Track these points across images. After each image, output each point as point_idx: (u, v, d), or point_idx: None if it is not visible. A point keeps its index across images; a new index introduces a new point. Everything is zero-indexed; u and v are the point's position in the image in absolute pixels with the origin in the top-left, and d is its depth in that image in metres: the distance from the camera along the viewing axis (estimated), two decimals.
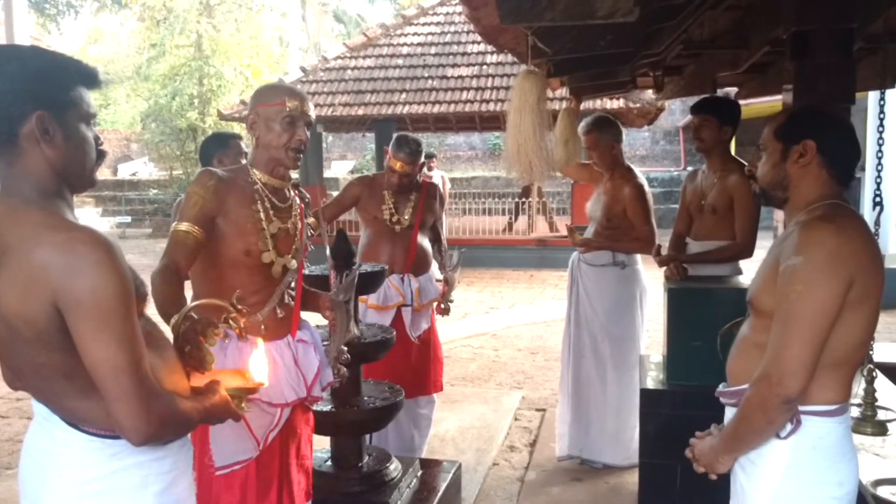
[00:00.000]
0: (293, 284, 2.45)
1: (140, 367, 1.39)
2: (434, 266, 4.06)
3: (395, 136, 3.84)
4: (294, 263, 2.41)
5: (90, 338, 1.35)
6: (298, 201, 2.50)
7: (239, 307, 1.83)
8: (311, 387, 2.44)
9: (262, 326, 2.32)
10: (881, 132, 2.59)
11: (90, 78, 1.50)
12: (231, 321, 1.80)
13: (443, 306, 3.99)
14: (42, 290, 1.33)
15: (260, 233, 2.31)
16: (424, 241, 3.94)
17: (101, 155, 1.54)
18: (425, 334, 3.94)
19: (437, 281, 4.03)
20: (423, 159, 3.85)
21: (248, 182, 2.35)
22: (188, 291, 2.27)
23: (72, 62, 1.48)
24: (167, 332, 1.70)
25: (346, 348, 2.56)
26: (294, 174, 2.53)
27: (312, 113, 2.40)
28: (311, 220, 2.60)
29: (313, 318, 2.66)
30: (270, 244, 2.33)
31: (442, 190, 11.62)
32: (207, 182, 2.28)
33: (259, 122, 2.34)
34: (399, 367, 3.70)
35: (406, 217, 3.79)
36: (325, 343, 2.58)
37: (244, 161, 2.87)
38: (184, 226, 2.22)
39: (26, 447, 1.56)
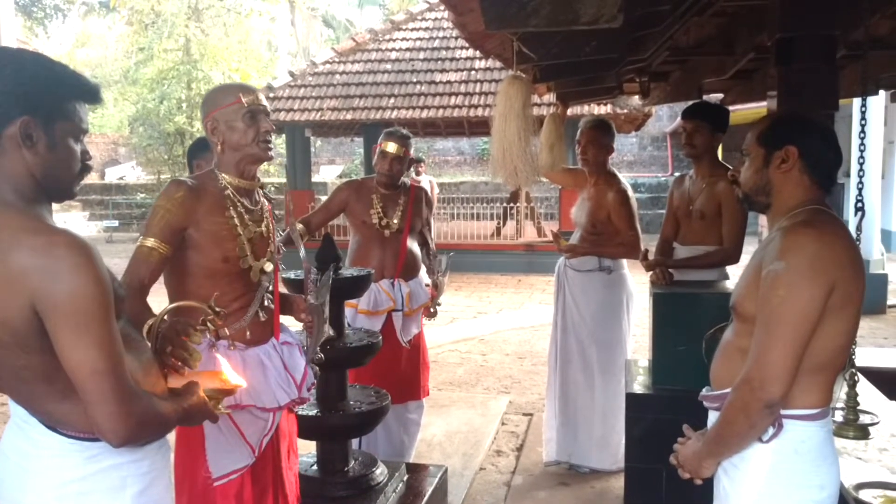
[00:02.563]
0: (271, 287, 2.44)
1: (118, 370, 1.40)
2: (422, 270, 4.07)
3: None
4: (270, 266, 2.39)
5: (69, 341, 1.35)
6: (267, 203, 2.48)
7: (217, 309, 1.83)
8: (300, 387, 2.44)
9: (248, 333, 2.32)
10: (863, 139, 2.61)
11: (90, 93, 1.51)
12: (208, 323, 1.80)
13: (431, 310, 4.00)
14: (20, 293, 1.34)
15: (236, 239, 2.29)
16: (414, 246, 3.94)
17: (86, 169, 1.54)
18: (414, 339, 3.94)
19: (426, 285, 4.03)
20: (412, 151, 3.85)
21: (219, 188, 2.31)
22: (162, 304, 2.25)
23: (72, 76, 1.49)
24: None
25: (318, 348, 2.55)
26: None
27: (267, 104, 2.37)
28: (299, 226, 2.59)
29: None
30: (248, 249, 2.31)
31: (430, 195, 11.63)
32: (175, 194, 2.23)
33: (220, 126, 2.30)
34: (389, 372, 3.70)
35: (395, 221, 3.78)
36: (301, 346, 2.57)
37: None
38: (149, 241, 2.18)
39: (4, 450, 1.56)
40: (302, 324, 2.57)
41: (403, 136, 3.80)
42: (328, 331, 2.54)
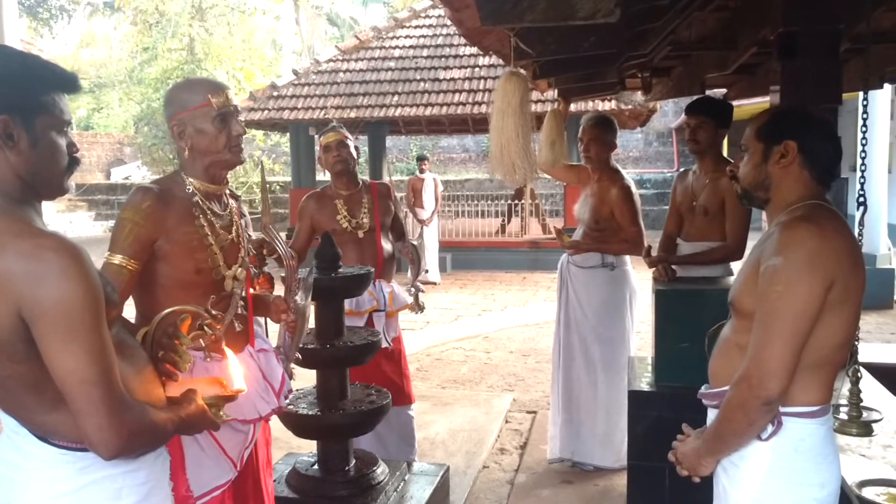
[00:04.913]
0: (243, 293, 2.32)
1: (110, 379, 1.34)
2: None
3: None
4: (242, 272, 2.29)
5: (57, 349, 1.30)
6: (234, 203, 2.37)
7: (213, 313, 1.79)
8: (279, 395, 2.36)
9: (223, 342, 2.14)
10: (864, 133, 2.59)
11: (67, 83, 1.44)
12: (206, 328, 1.76)
13: (412, 290, 3.88)
14: (6, 299, 1.29)
15: (208, 249, 2.17)
16: (387, 245, 3.83)
17: (75, 162, 1.48)
18: (395, 345, 3.84)
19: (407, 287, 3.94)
20: (349, 134, 3.75)
21: (187, 194, 2.19)
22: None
23: (47, 66, 1.42)
24: None
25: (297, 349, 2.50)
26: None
27: (236, 100, 2.22)
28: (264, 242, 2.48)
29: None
30: (220, 259, 2.20)
31: (435, 192, 11.57)
32: (141, 205, 2.10)
33: (187, 130, 2.15)
34: (371, 377, 3.57)
35: (365, 220, 3.69)
36: (276, 347, 2.50)
37: None
38: (117, 259, 2.06)
39: None
40: (279, 324, 2.46)
41: (335, 125, 3.75)
42: (308, 330, 2.47)
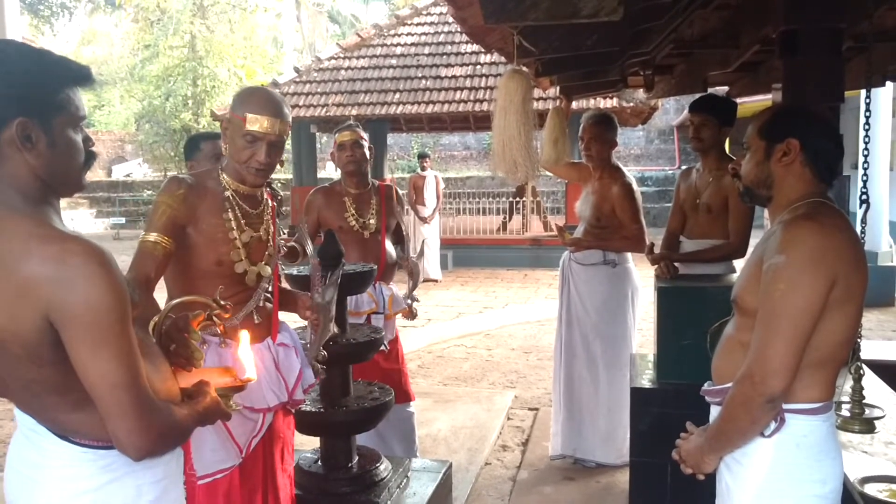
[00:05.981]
0: (269, 289, 2.39)
1: (138, 383, 1.35)
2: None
3: None
4: (268, 270, 2.36)
5: (87, 354, 1.30)
6: (271, 202, 2.43)
7: (222, 304, 1.80)
8: (292, 390, 2.40)
9: (238, 330, 2.26)
10: (867, 130, 2.60)
11: (81, 77, 1.42)
12: (214, 318, 1.77)
13: (411, 309, 3.82)
14: (33, 304, 1.28)
15: (231, 243, 2.26)
16: (390, 247, 3.84)
17: (91, 157, 1.46)
18: (392, 345, 3.81)
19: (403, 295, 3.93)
20: (365, 135, 3.75)
21: (219, 188, 2.28)
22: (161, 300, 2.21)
23: (61, 62, 1.40)
24: None
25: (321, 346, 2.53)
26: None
27: (282, 129, 2.25)
28: (289, 241, 2.54)
29: (288, 318, 2.61)
30: (243, 254, 2.28)
31: (437, 190, 11.55)
32: (176, 191, 2.21)
33: (227, 132, 2.28)
34: (371, 377, 3.54)
35: (372, 221, 3.70)
36: (303, 343, 2.55)
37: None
38: (152, 236, 2.16)
39: (11, 461, 1.50)
40: (306, 321, 2.52)
41: (352, 124, 3.76)
42: (333, 329, 2.51)
